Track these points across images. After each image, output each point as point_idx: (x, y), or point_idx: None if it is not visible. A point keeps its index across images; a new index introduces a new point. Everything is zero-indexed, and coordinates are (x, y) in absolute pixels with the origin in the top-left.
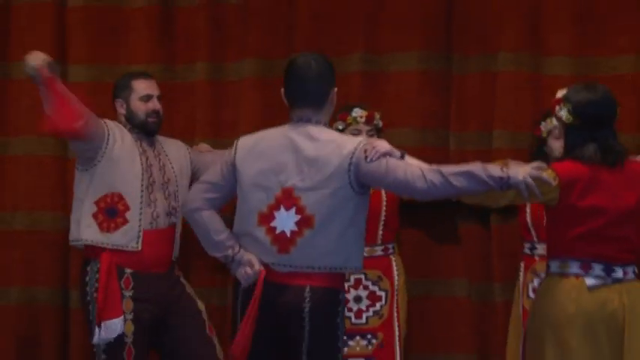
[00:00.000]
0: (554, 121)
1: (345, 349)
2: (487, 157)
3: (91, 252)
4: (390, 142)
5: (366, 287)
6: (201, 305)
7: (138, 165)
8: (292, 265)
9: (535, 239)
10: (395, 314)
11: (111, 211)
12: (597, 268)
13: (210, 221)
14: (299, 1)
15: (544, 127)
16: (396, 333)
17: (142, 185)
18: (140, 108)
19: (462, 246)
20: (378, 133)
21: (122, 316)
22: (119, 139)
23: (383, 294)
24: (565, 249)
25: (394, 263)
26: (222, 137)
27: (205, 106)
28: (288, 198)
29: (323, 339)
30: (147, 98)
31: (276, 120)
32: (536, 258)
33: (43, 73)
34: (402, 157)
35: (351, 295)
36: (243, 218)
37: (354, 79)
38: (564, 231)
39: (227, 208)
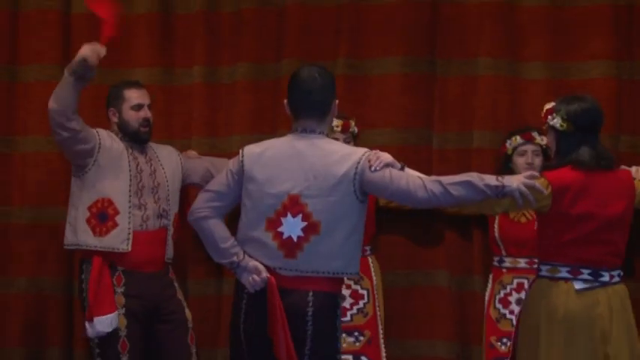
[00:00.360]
0: (519, 139)
1: None
2: (468, 155)
3: (86, 254)
4: (375, 142)
5: (348, 286)
6: (188, 314)
7: (126, 171)
8: (298, 270)
9: (503, 253)
10: (377, 312)
11: (102, 216)
12: (585, 273)
13: (216, 229)
14: (288, 10)
15: (509, 144)
16: (380, 330)
17: (130, 190)
18: (132, 117)
19: (444, 240)
20: (355, 139)
21: (116, 312)
22: (109, 147)
23: (365, 292)
24: (555, 254)
25: (371, 264)
26: (218, 136)
27: (201, 107)
28: (294, 205)
29: (324, 341)
30: (138, 107)
31: (266, 120)
32: (504, 270)
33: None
34: (402, 168)
35: None
36: (250, 224)
37: (337, 82)
38: (555, 236)
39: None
